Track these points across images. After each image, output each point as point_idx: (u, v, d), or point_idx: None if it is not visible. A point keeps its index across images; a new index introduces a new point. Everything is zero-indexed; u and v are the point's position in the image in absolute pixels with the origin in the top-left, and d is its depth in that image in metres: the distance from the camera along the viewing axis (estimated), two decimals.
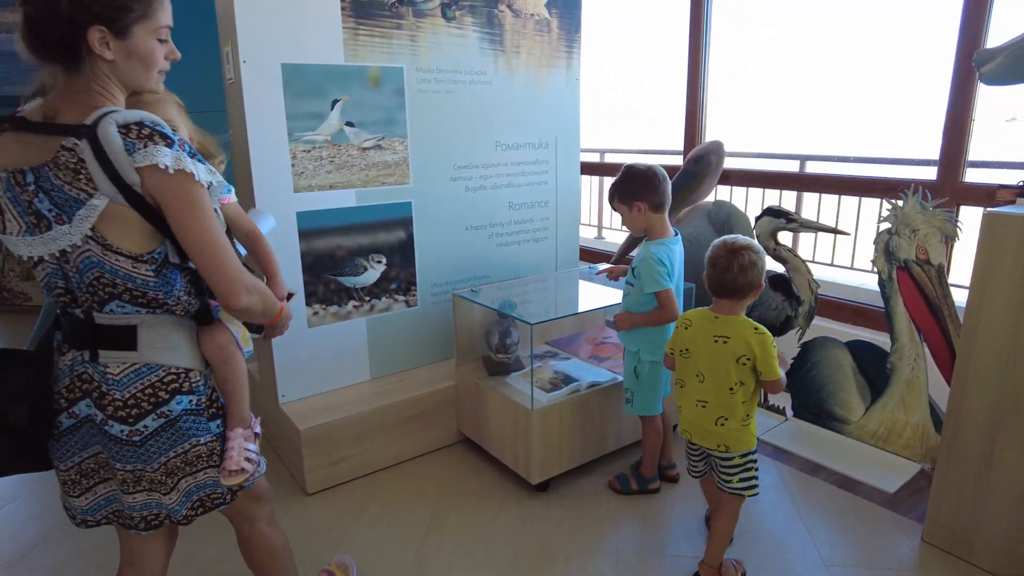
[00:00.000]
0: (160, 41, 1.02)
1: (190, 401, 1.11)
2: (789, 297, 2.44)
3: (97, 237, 0.97)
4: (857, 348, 2.44)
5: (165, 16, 1.02)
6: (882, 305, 2.32)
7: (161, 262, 1.03)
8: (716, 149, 3.07)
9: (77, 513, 1.17)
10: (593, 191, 5.62)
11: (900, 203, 2.19)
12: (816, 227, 2.40)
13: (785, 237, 2.57)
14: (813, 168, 4.05)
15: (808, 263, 2.47)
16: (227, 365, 1.20)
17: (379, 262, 2.46)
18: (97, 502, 1.16)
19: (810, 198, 3.46)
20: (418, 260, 2.56)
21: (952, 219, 2.09)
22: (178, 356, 1.09)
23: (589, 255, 3.93)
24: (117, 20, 0.95)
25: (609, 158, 6.07)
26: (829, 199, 3.35)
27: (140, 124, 0.94)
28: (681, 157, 3.43)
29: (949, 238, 2.11)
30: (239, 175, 2.24)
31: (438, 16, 2.41)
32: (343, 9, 2.17)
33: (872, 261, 2.30)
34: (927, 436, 2.27)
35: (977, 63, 1.85)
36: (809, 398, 2.58)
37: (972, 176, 2.45)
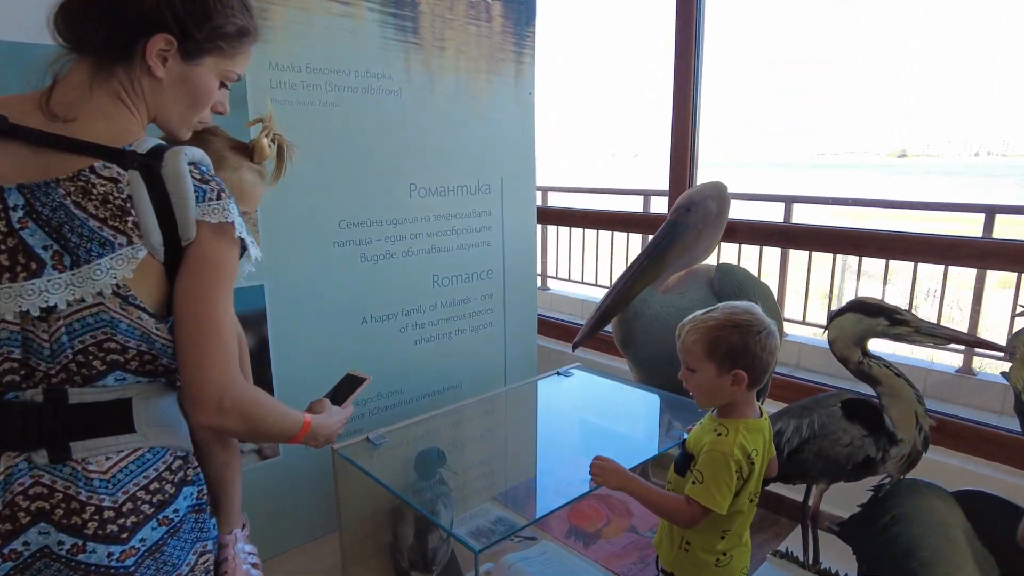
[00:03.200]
0: (221, 85, 0.87)
1: (194, 494, 0.87)
2: (875, 432, 1.57)
3: (122, 290, 0.78)
4: (975, 503, 1.59)
5: (242, 64, 0.88)
6: (1020, 430, 1.49)
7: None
8: (716, 194, 2.21)
9: None
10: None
11: None
12: (943, 334, 1.52)
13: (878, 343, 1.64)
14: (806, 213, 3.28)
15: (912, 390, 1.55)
16: (226, 446, 0.99)
17: None
18: None
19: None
20: (278, 376, 1.54)
21: None
22: (180, 435, 0.87)
23: (545, 327, 2.97)
24: (195, 39, 0.80)
25: (554, 199, 5.18)
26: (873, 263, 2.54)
27: (208, 167, 0.83)
28: (666, 202, 2.56)
29: None
30: None
31: None
32: None
33: (1007, 373, 1.47)
34: None
35: None
36: (886, 565, 1.71)
37: None
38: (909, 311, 1.54)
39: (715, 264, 2.11)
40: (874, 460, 1.63)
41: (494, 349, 1.99)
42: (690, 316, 1.18)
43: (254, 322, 1.48)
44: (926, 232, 1.99)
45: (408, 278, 1.73)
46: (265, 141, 1.02)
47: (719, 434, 1.08)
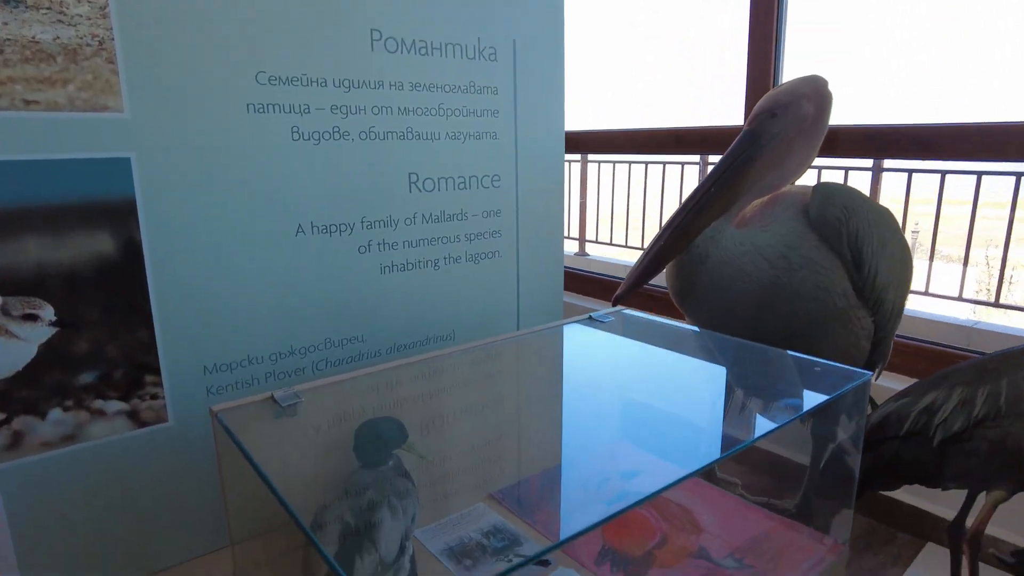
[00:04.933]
0: None
1: None
2: None
3: None
4: None
5: None
6: None
7: None
8: (813, 91, 1.58)
9: None
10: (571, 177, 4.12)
11: None
12: None
13: None
14: None
15: None
16: None
17: (30, 318, 0.92)
18: None
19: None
20: (159, 307, 1.02)
21: None
22: None
23: (575, 281, 2.39)
24: None
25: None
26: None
27: None
28: (742, 116, 1.95)
29: None
30: None
31: None
32: None
33: None
34: None
35: None
36: None
37: None
38: None
39: (811, 185, 1.49)
40: None
41: (501, 289, 1.43)
42: None
43: (116, 218, 0.95)
44: None
45: (371, 173, 1.18)
46: None
47: None
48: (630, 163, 4.05)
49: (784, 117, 1.52)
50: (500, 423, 0.97)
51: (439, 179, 1.27)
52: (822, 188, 1.43)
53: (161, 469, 1.05)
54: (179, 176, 0.99)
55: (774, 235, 1.42)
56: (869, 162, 2.76)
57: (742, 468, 1.49)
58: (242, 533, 0.95)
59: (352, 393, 1.01)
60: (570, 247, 4.52)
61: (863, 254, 1.38)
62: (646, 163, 3.92)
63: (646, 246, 1.64)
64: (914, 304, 1.74)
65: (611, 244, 4.35)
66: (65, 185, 0.91)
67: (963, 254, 2.68)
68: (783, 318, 1.29)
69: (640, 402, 1.03)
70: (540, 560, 0.99)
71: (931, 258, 2.80)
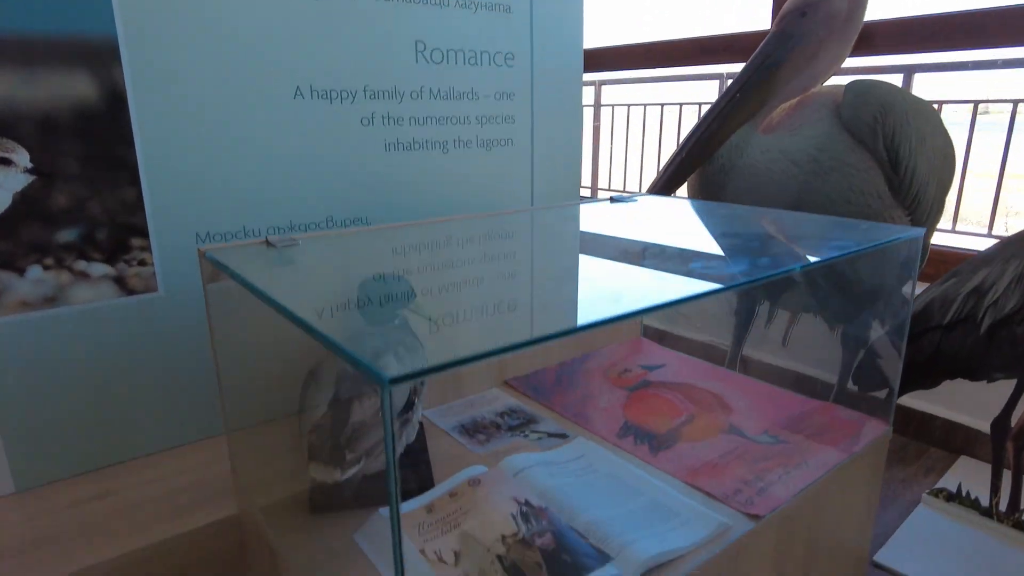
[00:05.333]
0: None
1: None
2: None
3: None
4: None
5: None
6: None
7: None
8: None
9: None
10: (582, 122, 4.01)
11: None
12: None
13: None
14: None
15: None
16: None
17: (4, 162, 0.84)
18: None
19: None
20: (147, 165, 0.94)
21: None
22: None
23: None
24: None
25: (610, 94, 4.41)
26: None
27: None
28: (770, 20, 1.84)
29: None
30: None
31: None
32: None
33: None
34: None
35: None
36: None
37: None
38: None
39: (842, 84, 1.39)
40: None
41: (514, 180, 1.34)
42: None
43: (96, 61, 0.87)
44: None
45: (373, 34, 1.09)
46: None
47: None
48: (645, 106, 3.92)
49: (814, 16, 1.43)
50: (516, 298, 0.89)
51: (449, 51, 1.18)
52: (855, 86, 1.33)
53: (150, 343, 0.98)
54: (167, 18, 0.91)
55: (803, 138, 1.33)
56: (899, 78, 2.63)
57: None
58: (237, 419, 0.88)
59: (354, 247, 0.93)
60: (582, 196, 4.43)
61: (900, 153, 1.29)
62: (662, 104, 3.79)
63: (666, 159, 1.55)
64: (939, 240, 1.65)
65: (625, 192, 4.25)
66: (39, 14, 0.82)
67: (995, 187, 2.56)
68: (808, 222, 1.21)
69: (671, 268, 0.95)
70: (557, 433, 0.91)
71: (960, 194, 2.68)
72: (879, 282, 1.18)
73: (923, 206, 1.35)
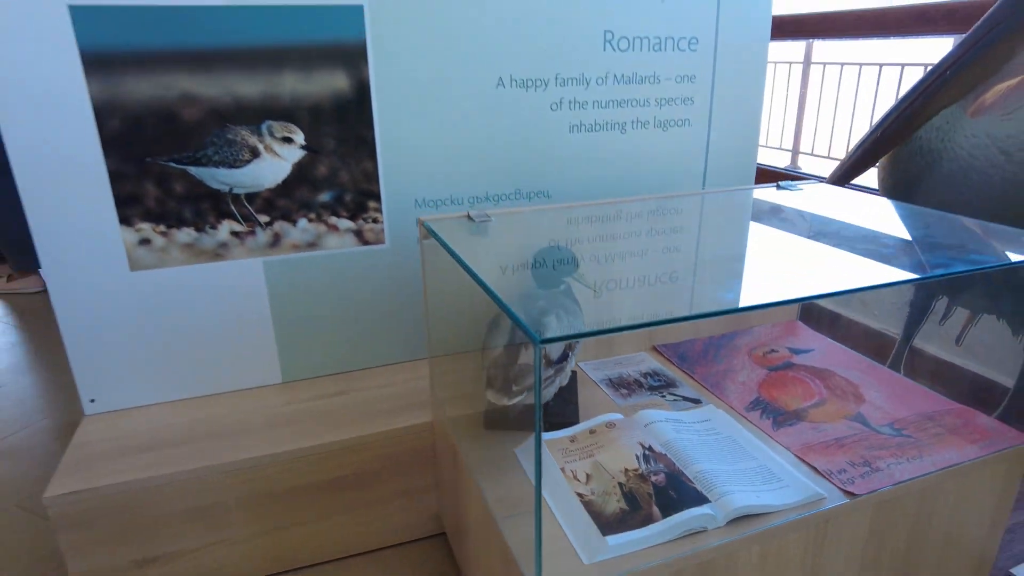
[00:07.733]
0: None
1: None
2: None
3: None
4: None
5: None
6: None
7: None
8: None
9: None
10: (789, 81, 3.79)
11: None
12: None
13: None
14: None
15: None
16: None
17: (287, 140, 1.13)
18: None
19: None
20: (382, 143, 1.19)
21: None
22: None
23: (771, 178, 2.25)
24: None
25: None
26: None
27: None
28: None
29: None
30: None
31: None
32: None
33: None
34: None
35: None
36: None
37: None
38: None
39: None
40: None
41: (689, 159, 1.43)
42: None
43: (350, 60, 1.12)
44: None
45: (566, 27, 1.24)
46: None
47: None
48: (860, 65, 3.59)
49: None
50: (675, 272, 1.00)
51: (634, 38, 1.29)
52: None
53: (378, 283, 1.26)
54: (403, 26, 1.13)
55: (1018, 123, 1.23)
56: None
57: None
58: (437, 348, 1.12)
59: (535, 223, 1.12)
60: (781, 159, 4.19)
61: None
62: (880, 64, 3.44)
63: (864, 134, 1.50)
64: None
65: (828, 157, 3.96)
66: (311, 28, 1.09)
67: None
68: (1022, 224, 1.13)
69: (833, 257, 0.99)
70: (691, 398, 1.04)
71: None
72: None
73: None
